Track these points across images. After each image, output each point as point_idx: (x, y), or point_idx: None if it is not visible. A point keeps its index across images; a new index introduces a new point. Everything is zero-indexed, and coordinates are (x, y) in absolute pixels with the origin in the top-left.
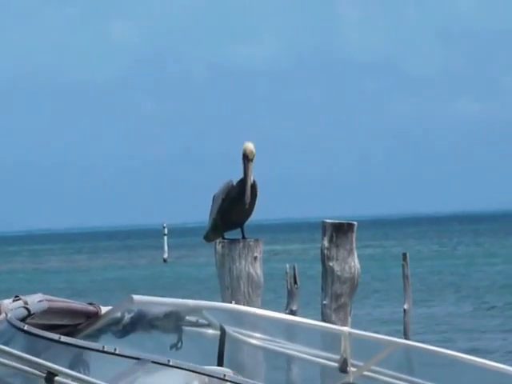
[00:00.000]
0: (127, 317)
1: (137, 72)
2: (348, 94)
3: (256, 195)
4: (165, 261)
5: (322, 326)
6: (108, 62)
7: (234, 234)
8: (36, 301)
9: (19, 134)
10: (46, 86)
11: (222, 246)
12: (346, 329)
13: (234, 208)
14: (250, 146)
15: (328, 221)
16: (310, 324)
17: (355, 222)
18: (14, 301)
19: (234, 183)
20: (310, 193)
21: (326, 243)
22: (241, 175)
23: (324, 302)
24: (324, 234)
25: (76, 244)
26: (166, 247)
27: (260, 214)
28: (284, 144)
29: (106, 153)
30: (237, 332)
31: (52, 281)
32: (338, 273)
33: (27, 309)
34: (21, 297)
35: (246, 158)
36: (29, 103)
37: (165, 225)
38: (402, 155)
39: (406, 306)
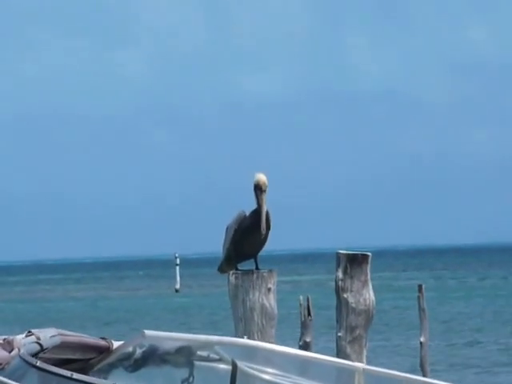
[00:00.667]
0: (139, 352)
1: (146, 105)
2: (357, 124)
3: (269, 226)
4: (177, 291)
5: (335, 362)
6: (116, 95)
7: (248, 264)
8: (49, 336)
9: (30, 165)
10: (55, 118)
11: (236, 277)
12: (360, 365)
13: (247, 239)
14: (262, 177)
15: (342, 252)
16: (324, 360)
17: (370, 253)
18: (26, 336)
19: (247, 214)
20: (321, 223)
21: (340, 274)
22: (252, 206)
23: (339, 334)
24: (338, 266)
25: (88, 274)
26: (178, 277)
27: (272, 244)
28: (293, 174)
29: (117, 184)
30: (249, 367)
31: (63, 310)
32: (353, 305)
33: (40, 344)
34: (33, 332)
35: (259, 189)
36: (38, 135)
37: (177, 255)
38: (413, 185)
39: (422, 339)
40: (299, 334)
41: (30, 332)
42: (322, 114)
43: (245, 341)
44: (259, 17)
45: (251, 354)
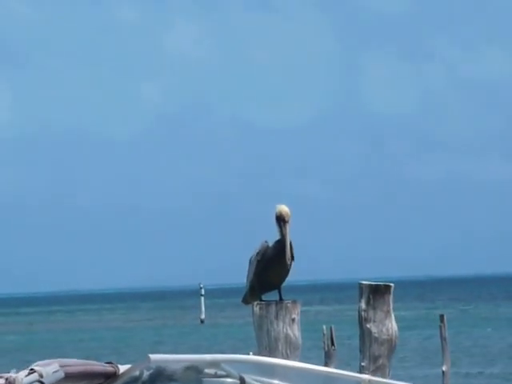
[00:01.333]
0: (146, 374)
1: (161, 129)
2: (373, 154)
3: (293, 256)
4: (202, 321)
5: (341, 374)
6: (132, 120)
7: (272, 295)
8: (51, 372)
9: (47, 190)
10: (74, 142)
11: (260, 308)
12: (366, 376)
13: (270, 270)
14: (284, 208)
15: (365, 282)
16: (330, 372)
17: (392, 284)
18: (29, 373)
19: (270, 245)
20: (341, 254)
21: (363, 305)
22: (273, 236)
23: (362, 364)
24: (361, 296)
25: (112, 304)
26: (203, 308)
27: (294, 274)
28: (313, 204)
29: (138, 212)
30: (256, 380)
31: (81, 339)
32: (376, 334)
33: (42, 382)
34: (36, 369)
35: (282, 220)
36: (57, 158)
37: (202, 285)
38: (429, 213)
39: (444, 368)
40: (323, 364)
41: (32, 369)
42: (338, 141)
43: (251, 356)
44: (275, 45)
45: (258, 368)
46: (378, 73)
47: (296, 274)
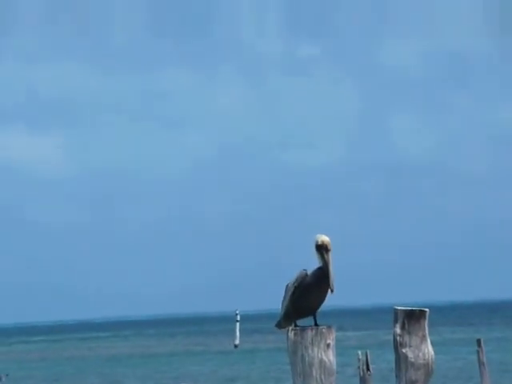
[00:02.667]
0: None
1: (200, 174)
2: (403, 193)
3: (332, 289)
4: (236, 346)
5: None
6: (174, 162)
7: (306, 320)
8: None
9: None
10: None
11: (295, 334)
12: None
13: (307, 297)
14: (325, 237)
15: (399, 308)
16: None
17: (427, 309)
18: None
19: (308, 273)
20: (374, 280)
21: (398, 330)
22: (309, 264)
23: None
24: (396, 321)
25: (147, 330)
26: (237, 333)
27: (329, 300)
28: (345, 235)
29: (175, 241)
30: None
31: (115, 367)
32: (412, 359)
33: None
34: None
35: (325, 249)
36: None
37: (237, 312)
38: (467, 243)
39: None
40: None
41: None
42: (369, 185)
43: None
44: (305, 96)
45: None
46: (399, 119)
47: (329, 300)
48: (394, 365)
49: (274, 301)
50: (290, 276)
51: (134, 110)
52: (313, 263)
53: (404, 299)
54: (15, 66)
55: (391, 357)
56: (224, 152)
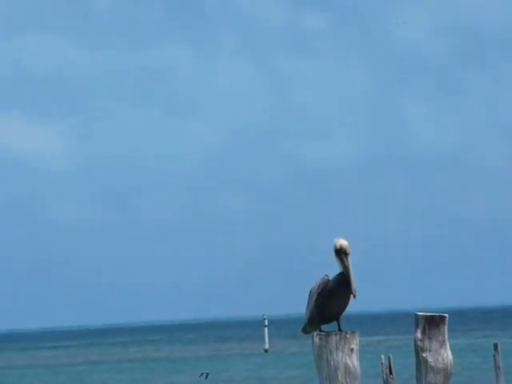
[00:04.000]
0: None
1: (216, 170)
2: (420, 189)
3: (354, 295)
4: (266, 351)
5: None
6: (185, 161)
7: (330, 325)
8: None
9: (99, 232)
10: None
11: (320, 339)
12: None
13: (330, 302)
14: (344, 241)
15: (420, 313)
16: None
17: (446, 315)
18: None
19: (330, 278)
20: (395, 285)
21: (419, 335)
22: (330, 269)
23: None
24: (417, 326)
25: (177, 335)
26: (266, 338)
27: (352, 305)
28: (367, 238)
29: (203, 249)
30: None
31: (153, 369)
32: (432, 363)
33: None
34: None
35: (344, 253)
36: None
37: (265, 316)
38: (479, 248)
39: None
40: None
41: None
42: (385, 179)
43: None
44: (321, 87)
45: None
46: (418, 110)
47: (352, 305)
48: (415, 369)
49: (299, 305)
50: (313, 280)
51: (133, 93)
52: (335, 267)
53: (421, 304)
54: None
55: (407, 361)
56: (233, 142)
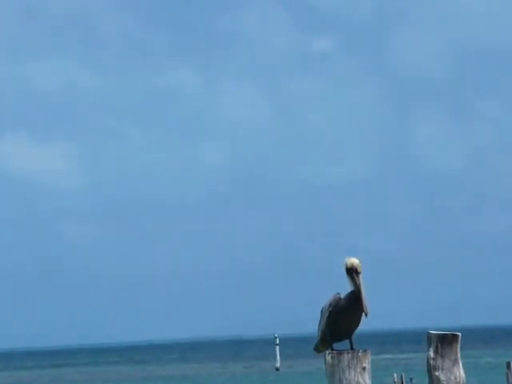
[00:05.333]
0: None
1: (228, 190)
2: (428, 208)
3: (366, 313)
4: (277, 369)
5: None
6: (197, 183)
7: (342, 344)
8: None
9: (111, 249)
10: (136, 206)
11: (332, 357)
12: None
13: (342, 321)
14: (355, 260)
15: (433, 332)
16: None
17: (459, 333)
18: None
19: (341, 296)
20: (405, 304)
21: (431, 354)
22: (340, 286)
23: None
24: (429, 345)
25: (188, 354)
26: (278, 356)
27: (365, 324)
28: (373, 256)
29: (213, 267)
30: None
31: None
32: (444, 382)
33: None
34: None
35: (355, 271)
36: (127, 223)
37: (276, 335)
38: (495, 263)
39: None
40: None
41: None
42: (392, 197)
43: None
44: (325, 108)
45: None
46: (427, 131)
47: (364, 324)
48: None
49: (311, 323)
50: (324, 298)
51: (141, 115)
52: (346, 285)
53: (430, 323)
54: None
55: (420, 380)
56: (241, 169)
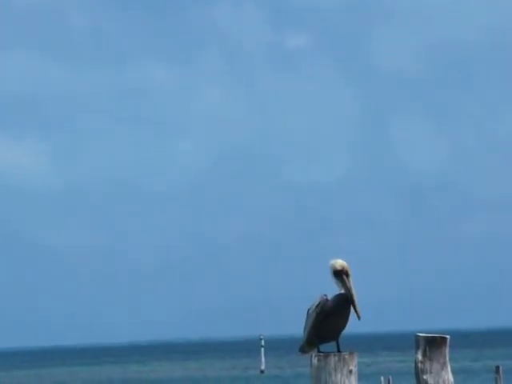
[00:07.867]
0: None
1: (203, 192)
2: (417, 213)
3: (359, 316)
4: (262, 372)
5: None
6: (167, 177)
7: (329, 345)
8: None
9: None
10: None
11: (318, 360)
12: None
13: (329, 323)
14: (343, 262)
15: (421, 334)
16: None
17: (448, 336)
18: None
19: (328, 298)
20: (395, 307)
21: (419, 357)
22: (327, 288)
23: None
24: (417, 348)
25: (172, 355)
26: (263, 358)
27: (351, 326)
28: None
29: (193, 264)
30: None
31: None
32: None
33: None
34: None
35: (345, 274)
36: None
37: (262, 337)
38: (478, 263)
39: None
40: None
41: None
42: (380, 204)
43: None
44: (301, 106)
45: None
46: (410, 130)
47: (354, 326)
48: None
49: (295, 325)
50: (310, 300)
51: (117, 113)
52: (330, 286)
53: (418, 326)
54: None
55: (412, 382)
56: (220, 164)
